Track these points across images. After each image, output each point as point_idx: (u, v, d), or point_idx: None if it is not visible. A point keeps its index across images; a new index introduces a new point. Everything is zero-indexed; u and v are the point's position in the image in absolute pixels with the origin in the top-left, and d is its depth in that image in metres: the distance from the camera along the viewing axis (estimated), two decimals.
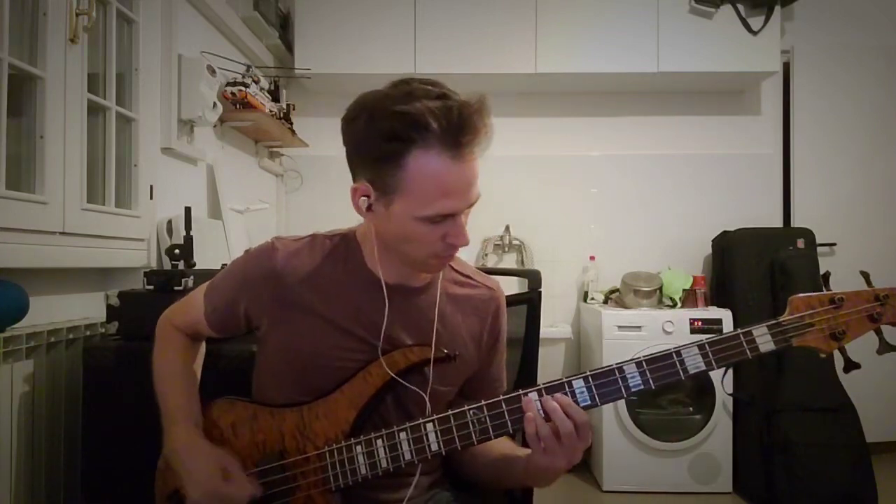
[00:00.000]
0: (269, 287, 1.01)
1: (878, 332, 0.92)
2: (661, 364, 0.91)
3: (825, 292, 0.92)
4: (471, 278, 1.12)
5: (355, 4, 3.03)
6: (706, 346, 0.90)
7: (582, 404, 0.91)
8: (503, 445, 1.05)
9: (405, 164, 0.87)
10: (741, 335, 0.90)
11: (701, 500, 2.75)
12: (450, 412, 0.95)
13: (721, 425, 2.79)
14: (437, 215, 0.90)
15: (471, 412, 0.93)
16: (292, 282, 1.01)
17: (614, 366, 0.91)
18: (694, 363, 0.90)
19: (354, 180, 0.95)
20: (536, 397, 0.91)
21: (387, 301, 0.99)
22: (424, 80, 0.90)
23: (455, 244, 0.94)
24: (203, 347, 1.17)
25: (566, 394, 0.91)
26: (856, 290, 0.91)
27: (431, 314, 1.03)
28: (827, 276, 0.96)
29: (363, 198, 0.94)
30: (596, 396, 0.91)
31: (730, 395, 2.76)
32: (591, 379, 0.91)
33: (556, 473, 0.92)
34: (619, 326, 2.82)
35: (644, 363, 0.91)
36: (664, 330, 2.78)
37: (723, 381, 2.70)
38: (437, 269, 1.03)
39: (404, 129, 0.86)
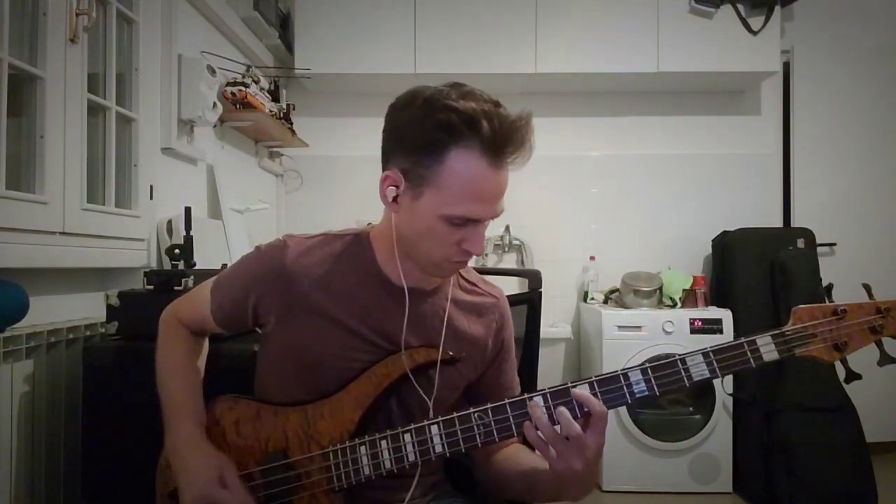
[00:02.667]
0: (279, 285, 1.00)
1: (879, 344, 0.93)
2: (666, 371, 0.91)
3: (828, 304, 0.93)
4: (476, 286, 1.12)
5: (355, 4, 3.03)
6: (710, 354, 0.91)
7: (586, 409, 0.90)
8: (531, 457, 1.04)
9: (445, 158, 0.88)
10: (745, 344, 0.91)
11: (701, 500, 2.75)
12: (455, 415, 0.94)
13: (721, 425, 2.79)
14: (461, 217, 0.91)
15: (476, 415, 0.93)
16: (302, 280, 1.00)
17: (619, 372, 0.91)
18: (698, 371, 0.91)
19: (386, 168, 0.95)
20: (542, 402, 0.90)
21: (407, 303, 0.99)
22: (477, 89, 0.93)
23: (470, 251, 0.95)
24: (206, 344, 1.17)
25: (570, 399, 0.90)
26: (858, 303, 0.92)
27: (439, 318, 1.03)
28: (830, 287, 0.98)
29: (392, 187, 0.94)
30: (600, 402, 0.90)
31: (730, 395, 2.77)
32: (595, 385, 0.91)
33: (579, 479, 0.88)
34: (619, 326, 2.82)
35: (649, 370, 0.91)
36: (664, 330, 2.78)
37: (723, 382, 2.70)
38: (447, 274, 1.03)
39: (457, 123, 0.87)
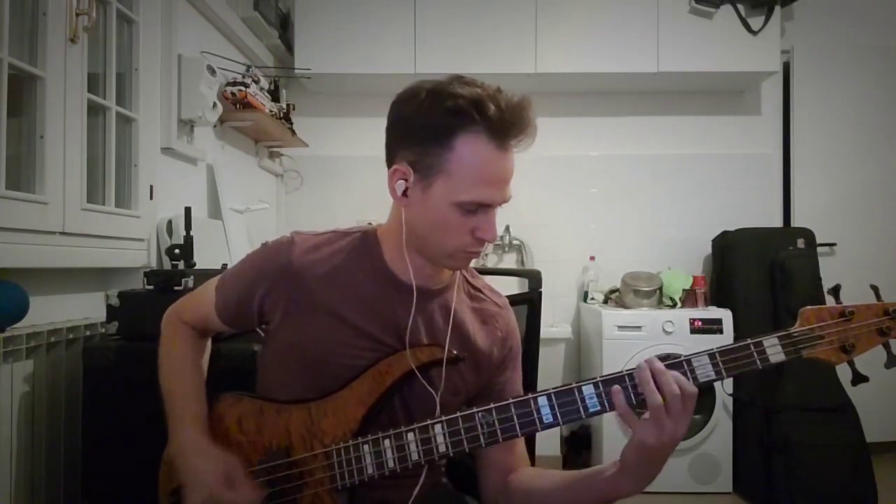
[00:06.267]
0: (285, 281, 1.00)
1: (887, 346, 0.91)
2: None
3: (836, 305, 0.91)
4: (481, 291, 1.12)
5: (355, 4, 3.03)
6: (716, 355, 0.89)
7: (591, 410, 0.90)
8: (558, 473, 1.01)
9: (454, 145, 0.90)
10: (752, 345, 0.89)
11: (701, 500, 2.75)
12: (458, 414, 0.94)
13: (721, 425, 2.79)
14: (474, 202, 0.92)
15: (479, 414, 0.93)
16: (308, 277, 1.00)
17: (625, 372, 0.90)
18: (704, 372, 0.89)
19: (393, 163, 0.96)
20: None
21: (415, 301, 1.00)
22: None
23: (484, 238, 0.96)
24: (209, 344, 1.17)
25: (574, 399, 0.90)
26: (866, 304, 0.91)
27: (446, 318, 1.03)
28: (838, 288, 0.96)
29: (401, 181, 0.95)
30: (605, 404, 0.90)
31: (730, 395, 2.76)
32: (601, 385, 0.90)
33: (663, 451, 0.87)
34: (619, 326, 2.82)
35: None
36: (664, 330, 2.78)
37: (723, 382, 2.70)
38: (461, 265, 1.04)
39: (464, 107, 0.89)
